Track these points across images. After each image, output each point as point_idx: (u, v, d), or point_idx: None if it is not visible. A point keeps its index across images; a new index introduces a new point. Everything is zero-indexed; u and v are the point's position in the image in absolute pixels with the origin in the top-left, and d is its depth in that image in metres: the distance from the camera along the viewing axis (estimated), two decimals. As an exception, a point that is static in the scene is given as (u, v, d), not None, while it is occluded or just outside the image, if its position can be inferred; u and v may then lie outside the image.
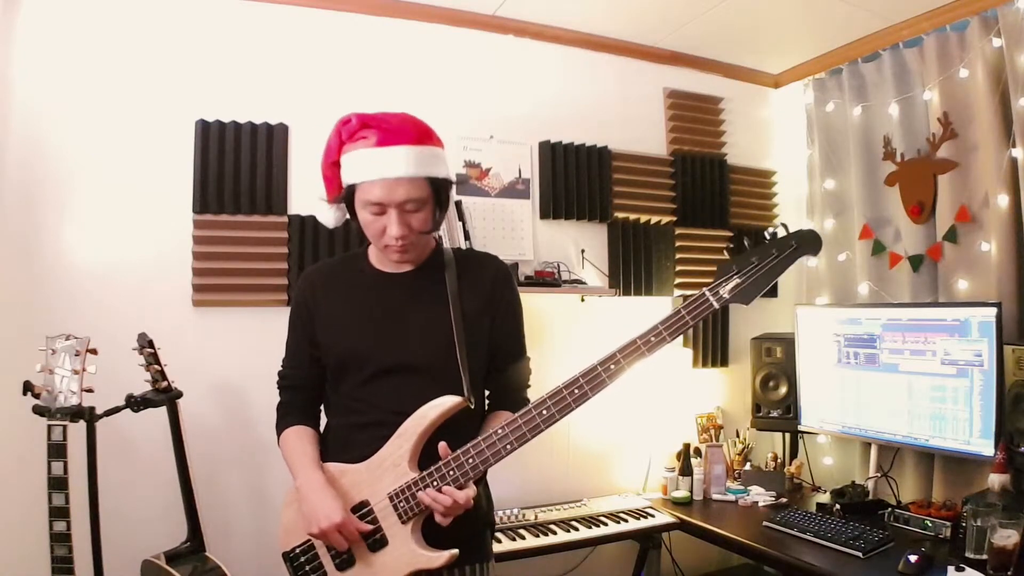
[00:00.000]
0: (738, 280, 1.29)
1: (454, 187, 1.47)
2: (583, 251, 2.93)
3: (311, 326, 1.49)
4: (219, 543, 2.01)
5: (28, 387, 1.65)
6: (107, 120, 2.24)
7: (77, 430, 1.70)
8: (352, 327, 1.44)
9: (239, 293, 2.36)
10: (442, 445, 1.33)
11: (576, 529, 2.45)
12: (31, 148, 2.15)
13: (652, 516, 2.59)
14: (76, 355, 1.66)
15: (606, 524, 2.51)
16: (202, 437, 2.15)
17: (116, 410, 1.84)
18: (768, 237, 1.31)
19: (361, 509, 1.38)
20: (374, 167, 1.32)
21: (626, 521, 2.54)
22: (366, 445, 1.39)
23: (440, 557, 1.32)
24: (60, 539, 1.61)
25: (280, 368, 1.57)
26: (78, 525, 1.65)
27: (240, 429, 2.35)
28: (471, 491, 1.32)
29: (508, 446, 1.32)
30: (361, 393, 1.43)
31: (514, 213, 2.80)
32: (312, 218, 2.46)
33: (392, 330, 1.42)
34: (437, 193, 1.38)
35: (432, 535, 1.36)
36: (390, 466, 1.36)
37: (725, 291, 1.29)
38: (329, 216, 1.50)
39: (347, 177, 1.37)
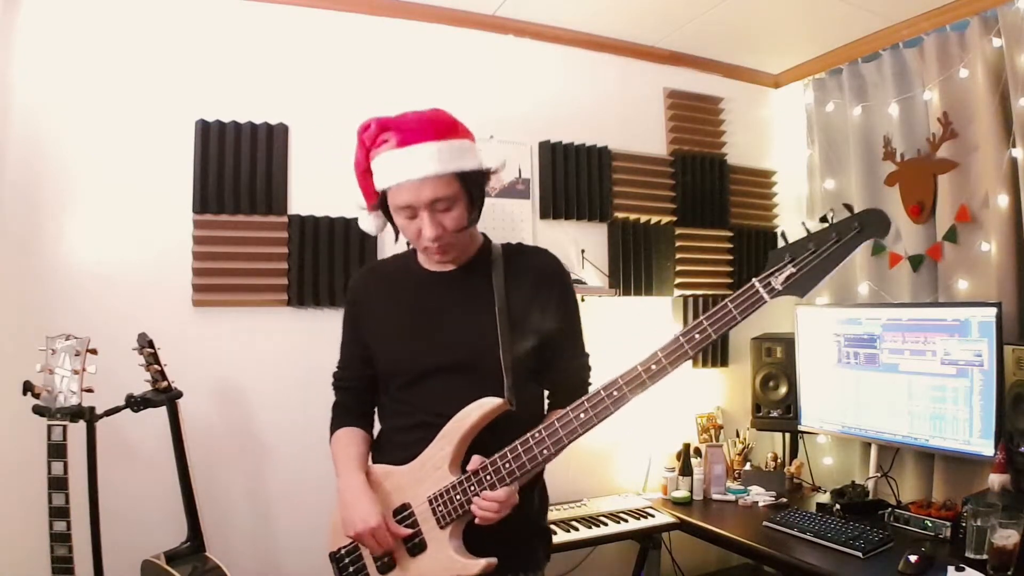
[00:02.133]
0: (792, 269, 1.14)
1: (492, 176, 1.40)
2: (583, 251, 2.93)
3: (360, 328, 1.49)
4: (219, 543, 2.01)
5: (28, 387, 1.65)
6: (107, 120, 2.24)
7: (77, 430, 1.70)
8: (396, 329, 1.43)
9: (239, 293, 2.36)
10: (475, 458, 1.29)
11: (576, 529, 2.45)
12: (31, 148, 2.15)
13: (652, 516, 2.59)
14: (76, 355, 1.66)
15: (606, 524, 2.51)
16: (202, 437, 2.15)
17: (116, 410, 1.84)
18: (829, 219, 1.16)
19: (403, 512, 1.36)
20: (398, 170, 1.29)
21: (626, 521, 2.54)
22: (411, 447, 1.37)
23: (476, 565, 1.28)
24: (60, 539, 1.61)
25: (335, 369, 1.57)
26: (78, 525, 1.65)
27: (240, 429, 2.35)
28: (508, 490, 1.27)
29: (545, 451, 1.27)
30: (405, 395, 1.42)
31: (514, 213, 2.80)
32: (312, 218, 2.46)
33: (434, 331, 1.40)
34: (468, 188, 1.32)
35: (478, 541, 1.32)
36: (431, 469, 1.33)
37: (778, 282, 1.15)
38: (370, 224, 1.46)
39: (378, 183, 1.33)
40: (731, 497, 2.73)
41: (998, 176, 2.43)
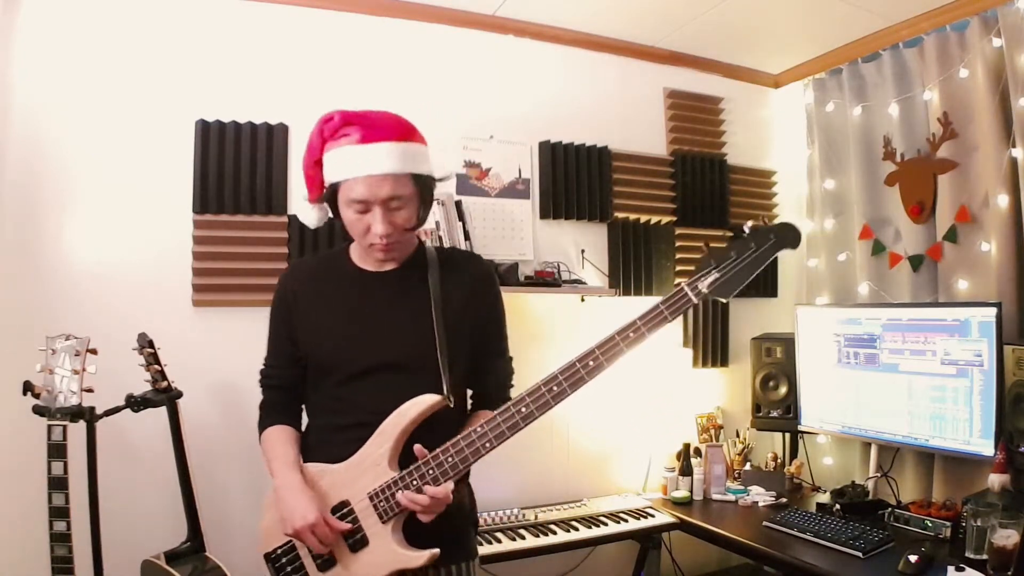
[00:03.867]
0: (717, 275, 1.29)
1: (440, 184, 1.45)
2: (583, 251, 2.93)
3: (291, 325, 1.48)
4: (219, 543, 2.01)
5: (28, 387, 1.65)
6: (107, 120, 2.24)
7: (77, 430, 1.70)
8: (333, 327, 1.44)
9: (239, 293, 2.36)
10: (417, 447, 1.32)
11: (576, 529, 2.45)
12: (31, 148, 2.15)
13: (652, 516, 2.59)
14: (76, 355, 1.66)
15: (606, 524, 2.51)
16: (202, 437, 2.14)
17: (116, 410, 1.84)
18: (746, 231, 1.30)
19: (341, 509, 1.37)
20: (357, 164, 1.31)
21: (626, 521, 2.54)
22: (346, 445, 1.38)
23: (421, 556, 1.31)
24: (60, 539, 1.61)
25: (262, 367, 1.56)
26: (78, 525, 1.65)
27: (240, 429, 2.34)
28: (449, 486, 1.31)
29: (487, 444, 1.31)
30: (341, 393, 1.43)
31: (514, 213, 2.80)
32: (312, 218, 2.46)
33: (373, 330, 1.42)
34: (421, 191, 1.37)
35: (415, 534, 1.36)
36: (370, 465, 1.35)
37: (704, 286, 1.29)
38: (311, 216, 1.48)
39: (330, 175, 1.35)
40: (731, 497, 2.73)
41: (998, 176, 2.43)
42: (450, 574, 1.43)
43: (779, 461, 2.94)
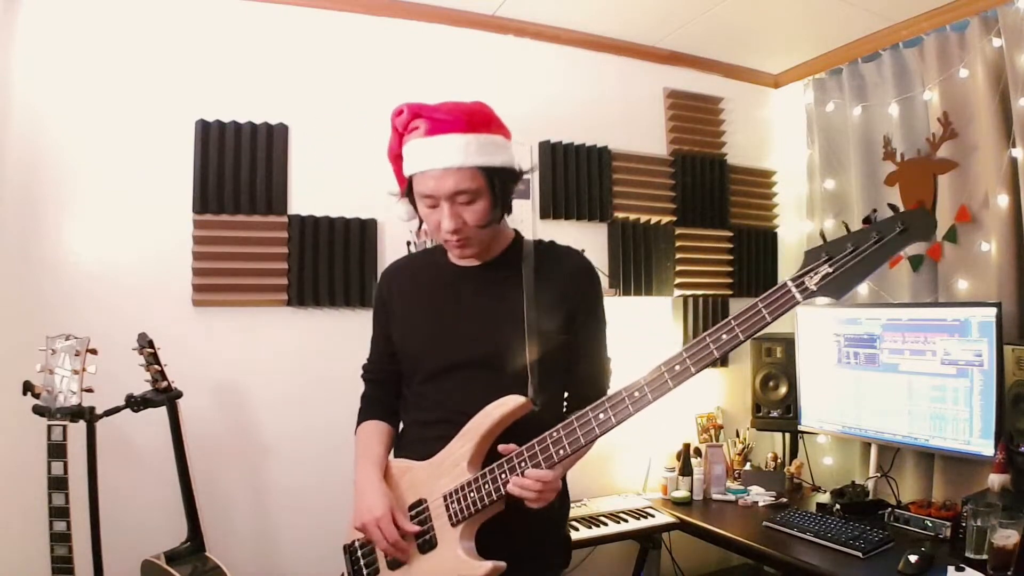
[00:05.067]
0: (829, 269, 1.07)
1: (525, 176, 1.40)
2: (583, 251, 2.91)
3: (386, 322, 1.49)
4: (219, 543, 2.01)
5: (28, 387, 1.65)
6: (107, 120, 2.24)
7: (77, 430, 1.70)
8: (421, 323, 1.43)
9: (239, 293, 2.36)
10: (502, 445, 1.26)
11: (576, 529, 2.44)
12: (31, 148, 2.15)
13: (652, 516, 2.59)
14: (76, 355, 1.66)
15: (606, 524, 2.51)
16: (202, 437, 2.15)
17: (116, 410, 1.84)
18: (873, 219, 1.08)
19: (418, 507, 1.35)
20: (424, 158, 1.27)
21: (626, 521, 2.54)
22: (432, 443, 1.36)
23: (482, 567, 1.24)
24: (60, 539, 1.61)
25: (365, 362, 1.58)
26: (78, 525, 1.65)
27: (240, 429, 2.35)
28: (556, 473, 1.23)
29: (561, 451, 1.22)
30: (426, 390, 1.41)
31: (514, 213, 2.79)
32: (312, 218, 2.46)
33: (459, 326, 1.39)
34: (493, 183, 1.30)
35: (493, 543, 1.30)
36: (450, 466, 1.31)
37: (812, 282, 1.07)
38: (402, 211, 1.43)
39: (406, 169, 1.32)
40: (731, 497, 2.73)
41: (998, 176, 2.43)
42: None
43: (779, 461, 2.94)
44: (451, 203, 1.28)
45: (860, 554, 2.04)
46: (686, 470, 2.78)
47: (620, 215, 3.00)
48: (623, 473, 2.96)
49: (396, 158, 1.36)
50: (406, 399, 1.50)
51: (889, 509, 2.36)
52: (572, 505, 2.61)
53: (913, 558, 1.90)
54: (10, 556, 2.00)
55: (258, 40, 2.44)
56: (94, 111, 2.22)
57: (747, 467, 2.95)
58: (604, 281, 2.94)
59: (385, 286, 1.52)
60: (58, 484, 1.61)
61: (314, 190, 2.47)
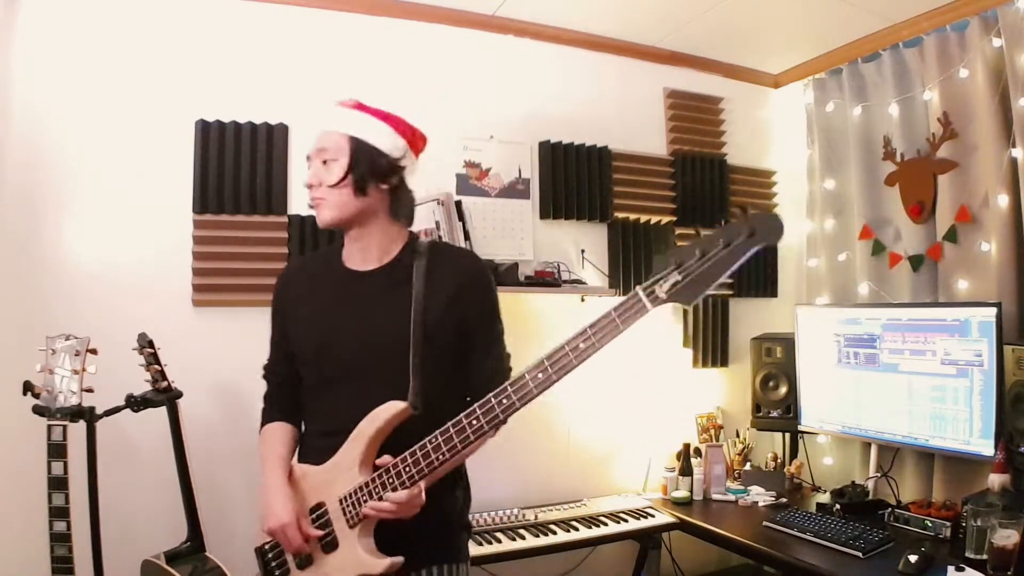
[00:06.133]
0: (677, 277, 1.08)
1: (395, 167, 1.44)
2: (583, 251, 2.93)
3: (284, 323, 1.51)
4: (219, 543, 2.01)
5: (28, 387, 1.65)
6: (107, 120, 2.24)
7: (77, 430, 1.70)
8: (312, 328, 1.45)
9: (239, 293, 2.36)
10: (381, 458, 1.32)
11: (576, 529, 2.45)
12: (31, 149, 2.15)
13: (652, 516, 2.59)
14: (76, 355, 1.66)
15: (606, 524, 2.51)
16: (202, 437, 2.15)
17: (116, 410, 1.84)
18: (720, 225, 1.10)
19: (318, 510, 1.39)
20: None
21: (626, 521, 2.54)
22: (325, 447, 1.40)
23: (381, 564, 1.30)
24: (60, 539, 1.61)
25: (266, 361, 1.58)
26: (78, 525, 1.65)
27: (240, 429, 2.35)
28: (415, 490, 1.28)
29: (441, 456, 1.26)
30: (319, 394, 1.44)
31: (514, 213, 2.80)
32: (312, 218, 2.46)
33: (347, 331, 1.41)
34: (356, 153, 1.39)
35: (394, 536, 1.34)
36: (344, 469, 1.36)
37: (662, 290, 1.09)
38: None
39: None
40: (731, 497, 2.73)
41: (998, 176, 2.43)
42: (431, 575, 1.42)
43: (779, 461, 2.94)
44: (317, 161, 1.42)
45: (860, 554, 2.04)
46: (686, 470, 2.78)
47: (620, 215, 3.00)
48: (623, 473, 2.96)
49: None
50: (305, 402, 1.52)
51: (889, 509, 2.37)
52: (572, 505, 2.65)
53: (913, 558, 1.90)
54: (10, 556, 2.00)
55: (258, 40, 2.44)
56: (94, 111, 2.22)
57: (747, 467, 2.95)
58: (604, 281, 2.95)
59: (280, 285, 1.54)
60: (58, 484, 1.61)
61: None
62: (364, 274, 1.45)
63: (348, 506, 1.34)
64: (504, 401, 1.21)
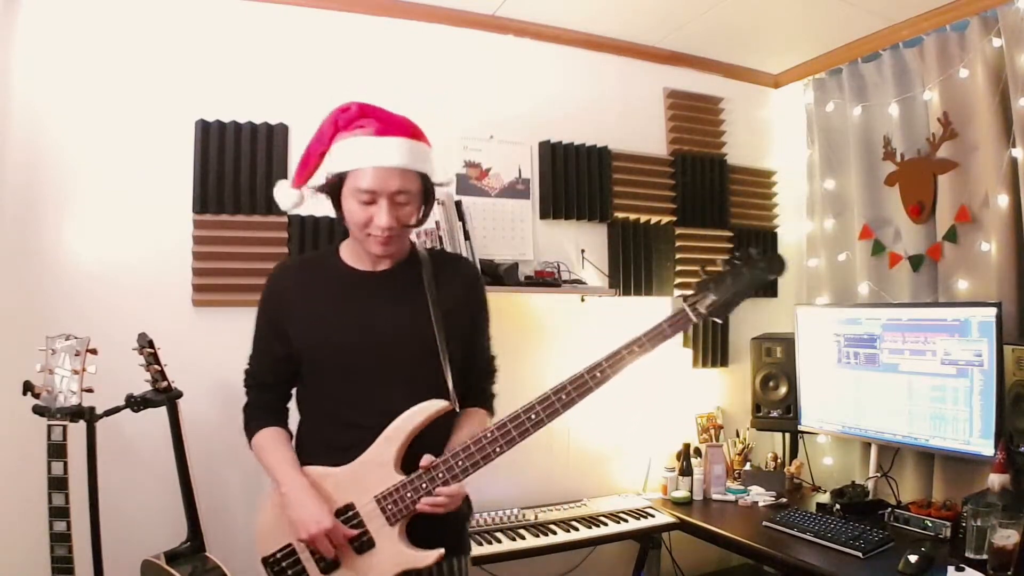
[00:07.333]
0: (714, 297, 1.39)
1: (442, 189, 1.52)
2: (583, 251, 2.93)
3: (282, 325, 1.47)
4: (219, 543, 2.01)
5: (28, 387, 1.65)
6: (107, 120, 2.24)
7: (77, 430, 1.70)
8: (329, 328, 1.43)
9: (239, 293, 2.36)
10: (426, 456, 1.36)
11: (576, 529, 2.45)
12: (31, 149, 2.15)
13: (652, 516, 2.59)
14: (76, 355, 1.66)
15: (606, 524, 2.51)
16: (202, 437, 2.14)
17: (116, 410, 1.84)
18: (738, 259, 1.41)
19: (346, 512, 1.38)
20: (371, 155, 1.33)
21: (626, 521, 2.54)
22: (347, 447, 1.38)
23: (429, 556, 1.35)
24: (60, 539, 1.61)
25: (247, 367, 1.56)
26: (78, 525, 1.65)
27: (240, 429, 2.34)
28: (460, 485, 1.37)
29: (497, 449, 1.36)
30: (340, 394, 1.43)
31: (514, 213, 2.80)
32: (312, 218, 2.46)
33: (373, 330, 1.41)
34: (425, 190, 1.39)
35: (427, 529, 1.38)
36: (375, 468, 1.36)
37: (703, 307, 1.39)
38: (289, 199, 1.50)
39: (338, 164, 1.36)
40: (731, 497, 2.73)
41: (998, 176, 2.43)
42: (449, 568, 1.47)
43: (779, 461, 2.94)
44: (390, 201, 1.34)
45: (860, 554, 2.04)
46: (686, 470, 2.78)
47: (620, 215, 3.00)
48: (623, 473, 2.96)
49: (322, 153, 1.40)
50: (309, 404, 1.50)
51: (889, 509, 2.37)
52: (572, 505, 2.66)
53: (913, 558, 1.90)
54: (10, 556, 2.00)
55: (258, 40, 2.44)
56: (94, 111, 2.22)
57: (747, 467, 2.95)
58: (604, 281, 2.95)
59: (278, 287, 1.51)
60: (58, 484, 1.61)
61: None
62: (374, 274, 1.47)
63: (389, 504, 1.35)
64: (564, 396, 1.35)
